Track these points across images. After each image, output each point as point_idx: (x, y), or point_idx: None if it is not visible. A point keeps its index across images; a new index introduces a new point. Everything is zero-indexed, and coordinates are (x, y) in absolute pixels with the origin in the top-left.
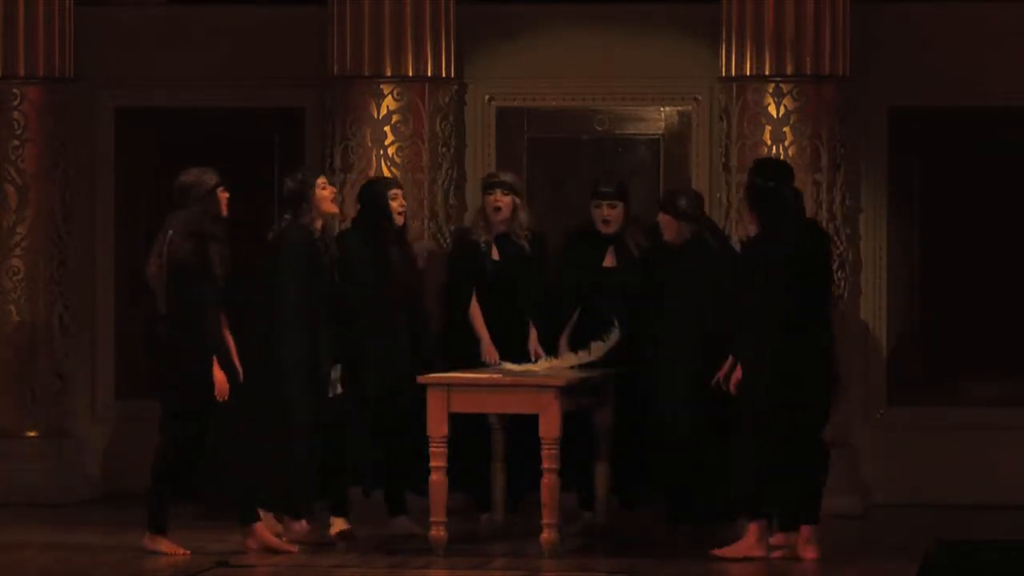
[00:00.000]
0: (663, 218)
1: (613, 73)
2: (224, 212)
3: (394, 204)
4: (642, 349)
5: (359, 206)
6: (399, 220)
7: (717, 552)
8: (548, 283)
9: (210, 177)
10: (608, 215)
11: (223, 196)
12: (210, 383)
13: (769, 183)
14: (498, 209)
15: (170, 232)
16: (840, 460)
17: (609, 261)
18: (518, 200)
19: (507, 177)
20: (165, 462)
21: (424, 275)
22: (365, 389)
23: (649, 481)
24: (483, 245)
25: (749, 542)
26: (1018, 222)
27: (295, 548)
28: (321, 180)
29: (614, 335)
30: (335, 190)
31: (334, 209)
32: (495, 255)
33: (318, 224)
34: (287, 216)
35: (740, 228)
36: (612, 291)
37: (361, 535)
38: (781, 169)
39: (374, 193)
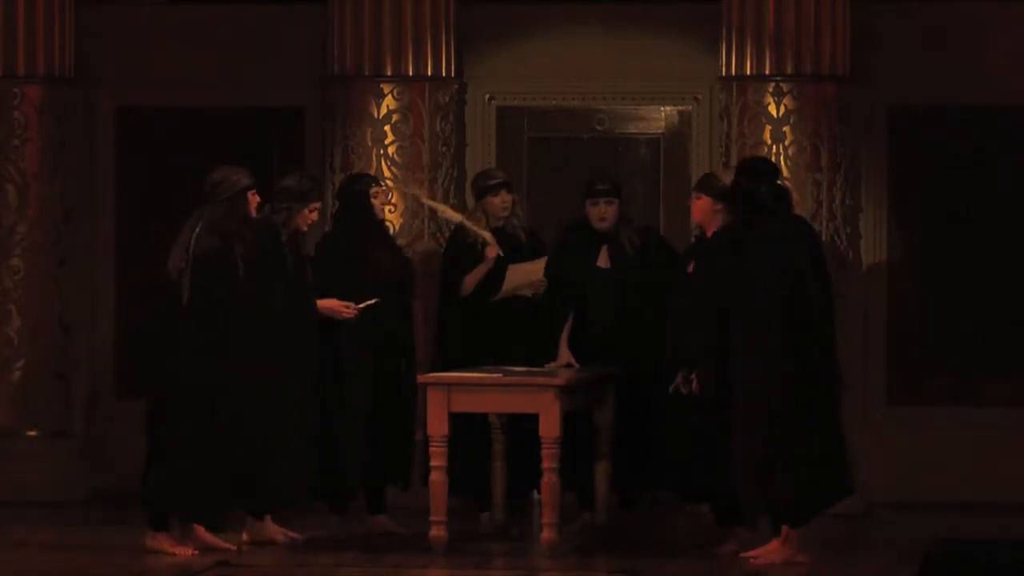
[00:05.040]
0: (697, 201)
1: (613, 73)
2: (253, 214)
3: (375, 202)
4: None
5: (339, 204)
6: (380, 217)
7: (748, 555)
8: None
9: (243, 177)
10: (605, 212)
11: (254, 199)
12: (211, 379)
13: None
14: (506, 207)
15: (197, 228)
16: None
17: (604, 261)
18: (515, 196)
19: (505, 175)
20: (166, 456)
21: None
22: (348, 391)
23: (659, 465)
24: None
25: (788, 548)
26: (1018, 222)
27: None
28: (317, 204)
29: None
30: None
31: (304, 229)
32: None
33: (291, 226)
34: (266, 209)
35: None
36: (607, 291)
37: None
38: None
39: (355, 192)
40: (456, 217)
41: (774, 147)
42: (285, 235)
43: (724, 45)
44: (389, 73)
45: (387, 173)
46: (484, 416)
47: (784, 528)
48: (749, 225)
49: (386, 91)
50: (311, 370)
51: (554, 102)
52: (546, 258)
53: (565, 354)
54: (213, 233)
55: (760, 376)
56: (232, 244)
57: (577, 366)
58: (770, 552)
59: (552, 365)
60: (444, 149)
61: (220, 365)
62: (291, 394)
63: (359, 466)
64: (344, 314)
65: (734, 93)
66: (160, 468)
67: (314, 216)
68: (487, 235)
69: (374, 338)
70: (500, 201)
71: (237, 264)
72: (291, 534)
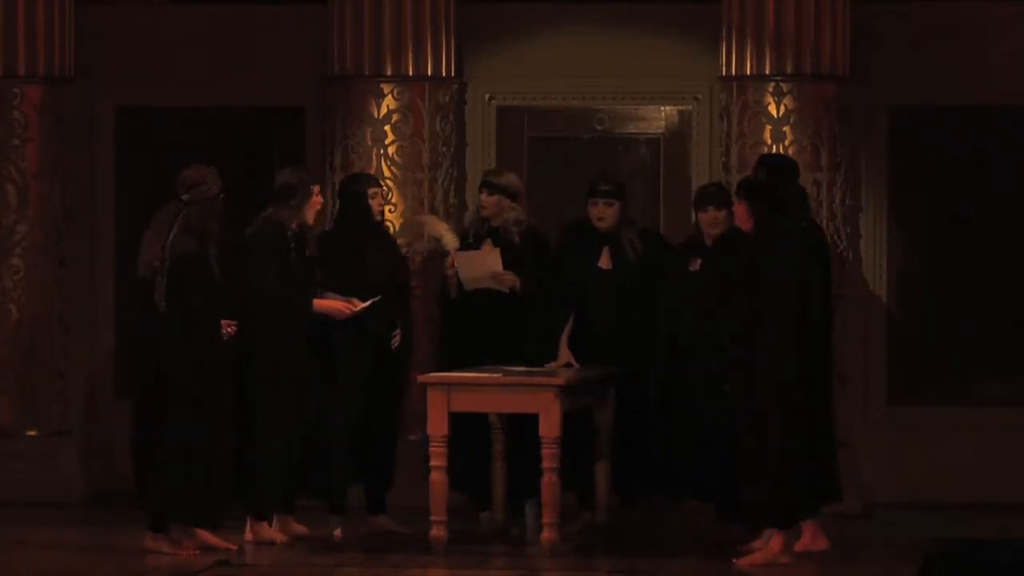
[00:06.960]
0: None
1: (613, 73)
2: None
3: (373, 203)
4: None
5: (338, 204)
6: (378, 218)
7: (741, 561)
8: (546, 279)
9: (216, 181)
10: (603, 213)
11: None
12: (200, 380)
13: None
14: (483, 208)
15: (173, 230)
16: (840, 460)
17: (605, 263)
18: (505, 201)
19: (496, 178)
20: (161, 459)
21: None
22: (342, 389)
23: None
24: (472, 240)
25: (774, 550)
26: (1018, 222)
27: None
28: (317, 188)
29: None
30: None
31: (311, 222)
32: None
33: (295, 224)
34: (269, 210)
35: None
36: (607, 291)
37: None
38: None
39: (353, 193)
40: (432, 229)
41: (774, 147)
42: (294, 226)
43: (724, 45)
44: (389, 73)
45: (387, 173)
46: (484, 416)
47: (774, 530)
48: (765, 223)
49: (386, 91)
50: (304, 369)
51: (554, 102)
52: (499, 249)
53: (565, 354)
54: (190, 234)
55: (762, 376)
56: (207, 245)
57: (577, 366)
58: (756, 553)
59: (552, 365)
60: (444, 149)
61: (204, 366)
62: (284, 395)
63: (352, 467)
64: (344, 313)
65: (734, 93)
66: (156, 472)
67: (318, 202)
68: (452, 251)
69: (369, 339)
70: (481, 199)
71: (212, 265)
72: (299, 528)
